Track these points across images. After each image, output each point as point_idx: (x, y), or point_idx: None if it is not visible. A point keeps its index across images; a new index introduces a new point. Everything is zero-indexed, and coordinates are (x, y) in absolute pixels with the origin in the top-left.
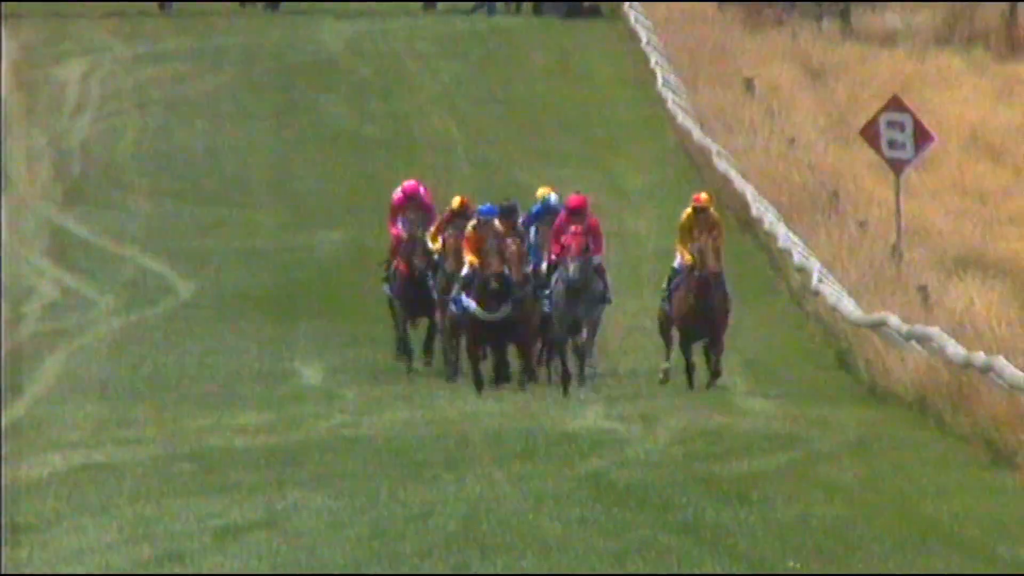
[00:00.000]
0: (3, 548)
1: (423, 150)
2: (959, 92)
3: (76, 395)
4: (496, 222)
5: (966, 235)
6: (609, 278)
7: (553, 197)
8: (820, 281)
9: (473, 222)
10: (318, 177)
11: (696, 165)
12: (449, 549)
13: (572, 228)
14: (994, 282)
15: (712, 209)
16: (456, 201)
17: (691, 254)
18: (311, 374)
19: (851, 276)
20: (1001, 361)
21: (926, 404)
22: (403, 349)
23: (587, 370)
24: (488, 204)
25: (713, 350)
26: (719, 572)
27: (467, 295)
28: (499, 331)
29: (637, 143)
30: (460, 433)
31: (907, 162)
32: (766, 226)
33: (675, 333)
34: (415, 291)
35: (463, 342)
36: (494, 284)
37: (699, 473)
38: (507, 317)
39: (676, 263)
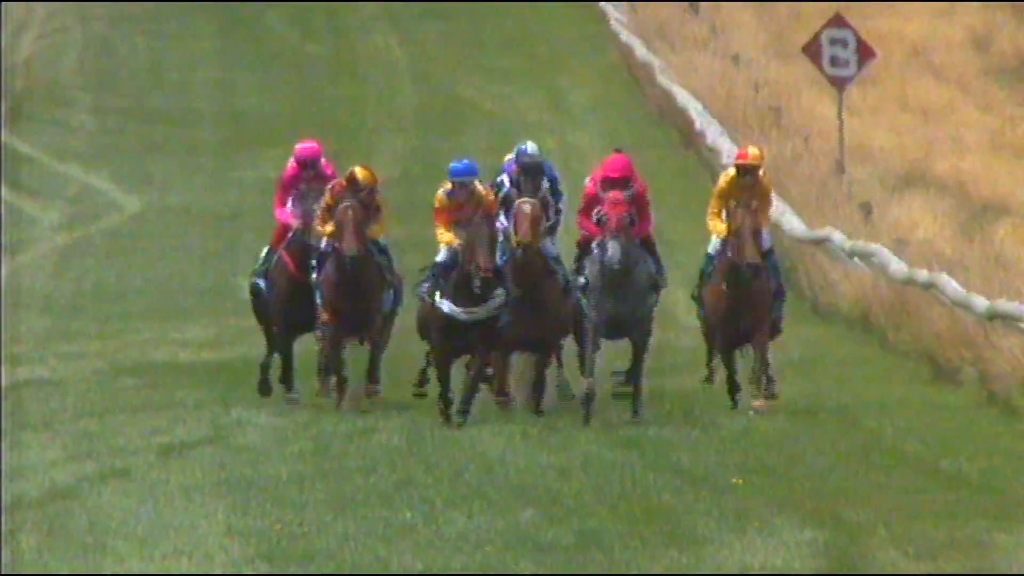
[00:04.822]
0: None
1: (365, 67)
2: (901, 8)
3: (19, 310)
4: (477, 184)
5: (908, 152)
6: (661, 257)
7: (530, 147)
8: None
9: (446, 186)
10: (261, 94)
11: (639, 81)
12: (393, 464)
13: (611, 194)
14: (936, 199)
15: (762, 172)
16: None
17: (726, 225)
18: None
19: (794, 193)
20: (943, 278)
21: (869, 321)
22: (264, 374)
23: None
24: (464, 160)
25: (756, 351)
26: (662, 487)
27: (434, 287)
28: (481, 334)
29: (580, 59)
30: (403, 348)
31: (849, 79)
32: (709, 142)
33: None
34: (301, 298)
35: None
36: (478, 285)
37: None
38: (491, 315)
39: (711, 247)
